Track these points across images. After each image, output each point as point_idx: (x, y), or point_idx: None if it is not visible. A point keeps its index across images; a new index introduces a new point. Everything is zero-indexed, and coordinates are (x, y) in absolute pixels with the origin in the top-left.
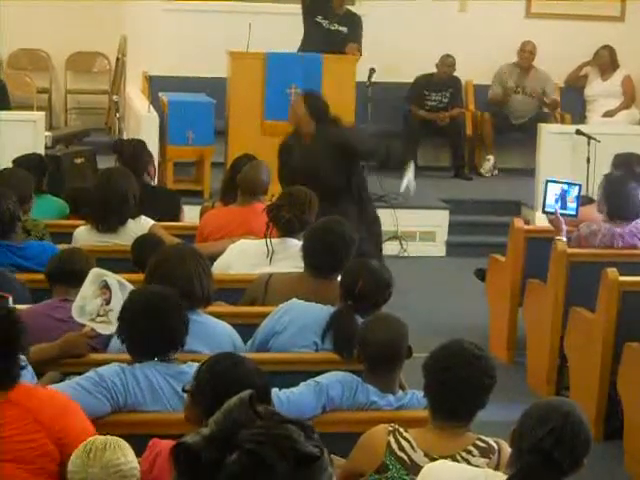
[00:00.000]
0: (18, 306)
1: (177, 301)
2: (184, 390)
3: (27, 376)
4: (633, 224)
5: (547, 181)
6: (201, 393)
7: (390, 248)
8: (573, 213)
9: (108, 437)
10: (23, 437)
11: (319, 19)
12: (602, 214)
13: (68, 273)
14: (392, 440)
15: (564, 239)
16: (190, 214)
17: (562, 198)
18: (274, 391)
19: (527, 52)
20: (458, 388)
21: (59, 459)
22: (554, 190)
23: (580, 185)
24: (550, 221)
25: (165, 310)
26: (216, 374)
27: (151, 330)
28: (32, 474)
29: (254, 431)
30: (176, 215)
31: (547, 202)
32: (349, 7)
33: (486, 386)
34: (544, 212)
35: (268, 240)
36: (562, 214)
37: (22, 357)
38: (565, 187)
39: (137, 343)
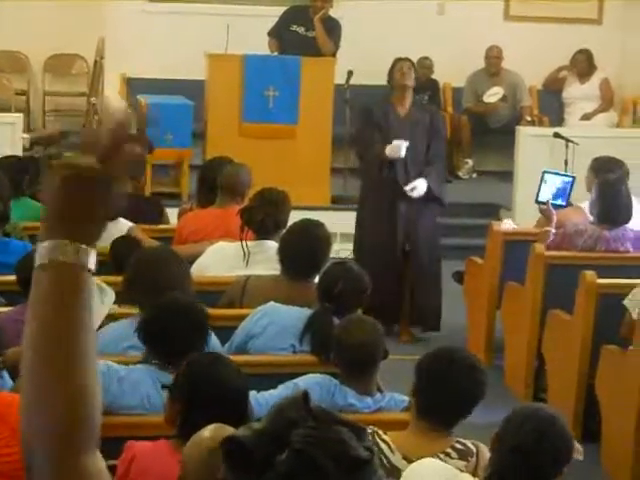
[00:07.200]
0: None
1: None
2: (164, 387)
3: (5, 384)
4: (621, 229)
5: (544, 172)
6: (179, 390)
7: None
8: (564, 204)
9: None
10: (3, 450)
11: (294, 27)
12: (593, 216)
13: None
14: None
15: (553, 230)
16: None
17: (556, 189)
18: (252, 394)
19: (493, 57)
20: (448, 394)
21: None
22: (549, 181)
23: (574, 177)
24: (542, 211)
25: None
26: (194, 372)
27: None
28: None
29: (305, 431)
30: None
31: (541, 192)
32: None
33: (475, 396)
34: (537, 202)
35: (244, 242)
36: (554, 205)
37: None
38: (560, 178)
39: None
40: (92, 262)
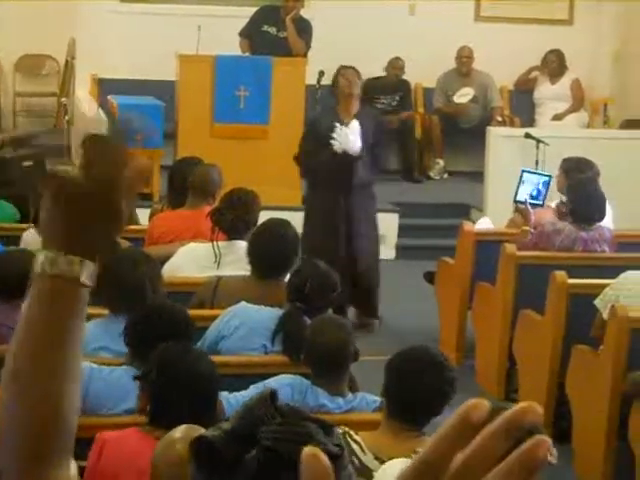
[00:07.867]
0: None
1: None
2: (135, 378)
3: None
4: (598, 230)
5: (523, 171)
6: (149, 380)
7: None
8: (541, 204)
9: None
10: None
11: (265, 28)
12: (568, 216)
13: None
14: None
15: (532, 230)
16: (139, 217)
17: (534, 189)
18: (223, 395)
19: (464, 57)
20: (419, 393)
21: None
22: (527, 180)
23: (551, 176)
24: (519, 211)
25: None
26: (163, 360)
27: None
28: None
29: (273, 428)
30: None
31: (519, 192)
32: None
33: (445, 394)
34: (515, 201)
35: (215, 244)
36: (532, 204)
37: None
38: (538, 178)
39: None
40: (86, 275)
